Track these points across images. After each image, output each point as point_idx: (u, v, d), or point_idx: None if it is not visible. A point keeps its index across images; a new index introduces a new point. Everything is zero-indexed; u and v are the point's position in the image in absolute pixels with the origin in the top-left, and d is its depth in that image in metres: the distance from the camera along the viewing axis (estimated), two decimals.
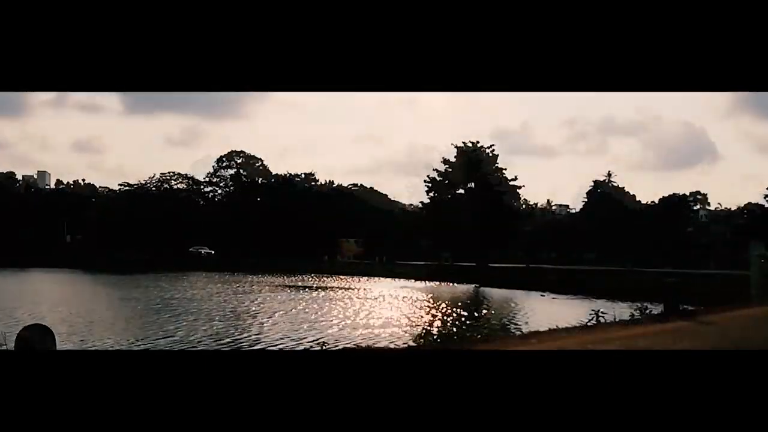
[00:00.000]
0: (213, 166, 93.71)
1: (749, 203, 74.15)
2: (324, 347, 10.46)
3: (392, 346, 5.50)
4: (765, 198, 66.24)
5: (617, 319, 14.15)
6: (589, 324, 13.27)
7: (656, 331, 10.58)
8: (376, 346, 11.60)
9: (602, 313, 14.56)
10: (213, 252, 78.98)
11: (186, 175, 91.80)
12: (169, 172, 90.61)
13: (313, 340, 16.12)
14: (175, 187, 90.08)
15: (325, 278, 51.26)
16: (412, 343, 12.12)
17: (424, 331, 13.94)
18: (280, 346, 13.85)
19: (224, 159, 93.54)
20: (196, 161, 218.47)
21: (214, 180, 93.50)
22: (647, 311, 15.56)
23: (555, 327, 12.56)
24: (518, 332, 15.60)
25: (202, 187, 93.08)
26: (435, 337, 13.94)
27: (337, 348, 12.99)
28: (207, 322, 22.08)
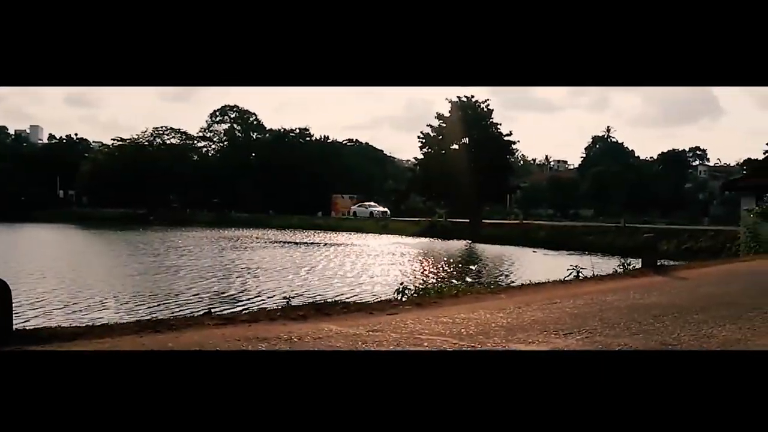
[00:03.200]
0: (206, 121, 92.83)
1: (748, 159, 73.17)
2: (289, 302, 10.16)
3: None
4: (764, 153, 65.08)
5: (595, 274, 13.91)
6: (565, 279, 13.00)
7: (627, 286, 10.30)
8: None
9: (581, 268, 14.34)
10: (387, 210, 65.80)
11: (179, 129, 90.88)
12: (161, 127, 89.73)
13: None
14: (168, 142, 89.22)
15: (324, 234, 51.18)
16: (395, 296, 11.83)
17: (402, 286, 13.53)
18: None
19: (217, 113, 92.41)
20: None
21: (208, 135, 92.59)
22: (630, 266, 15.31)
23: (528, 282, 12.27)
24: (499, 286, 15.45)
25: (195, 142, 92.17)
26: (412, 292, 13.55)
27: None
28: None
